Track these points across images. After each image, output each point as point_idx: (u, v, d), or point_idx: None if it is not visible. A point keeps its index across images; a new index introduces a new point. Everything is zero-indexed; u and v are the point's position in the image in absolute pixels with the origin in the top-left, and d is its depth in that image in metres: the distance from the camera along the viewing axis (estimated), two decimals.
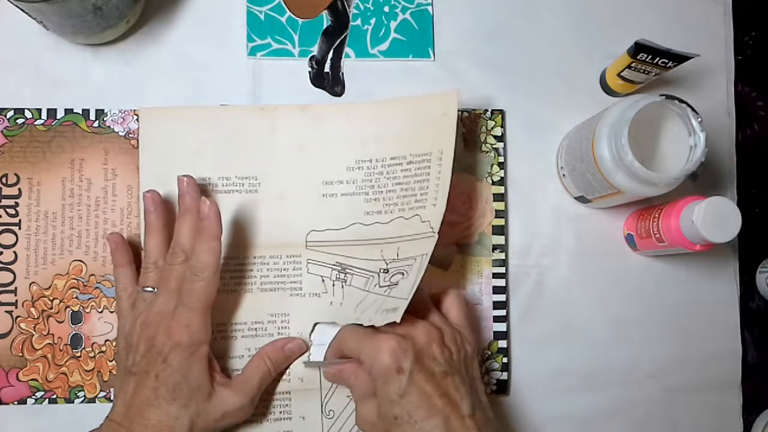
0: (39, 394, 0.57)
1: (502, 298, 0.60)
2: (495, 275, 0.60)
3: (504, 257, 0.60)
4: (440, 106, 0.58)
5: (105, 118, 0.59)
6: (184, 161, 0.58)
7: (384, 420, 0.48)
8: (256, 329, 0.57)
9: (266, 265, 0.58)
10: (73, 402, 0.57)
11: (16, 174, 0.58)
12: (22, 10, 0.53)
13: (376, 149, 0.59)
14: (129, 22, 0.59)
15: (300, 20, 0.62)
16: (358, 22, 0.62)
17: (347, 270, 0.57)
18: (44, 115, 0.59)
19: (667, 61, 0.56)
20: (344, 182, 0.59)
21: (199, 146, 0.59)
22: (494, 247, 0.60)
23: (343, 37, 0.62)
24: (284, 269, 0.58)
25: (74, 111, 0.59)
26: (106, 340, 0.58)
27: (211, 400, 0.51)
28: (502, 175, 0.61)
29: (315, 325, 0.58)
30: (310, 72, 0.61)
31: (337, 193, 0.58)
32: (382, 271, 0.56)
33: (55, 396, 0.57)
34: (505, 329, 0.59)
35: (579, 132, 0.58)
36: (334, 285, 0.58)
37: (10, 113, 0.59)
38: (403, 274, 0.56)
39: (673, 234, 0.53)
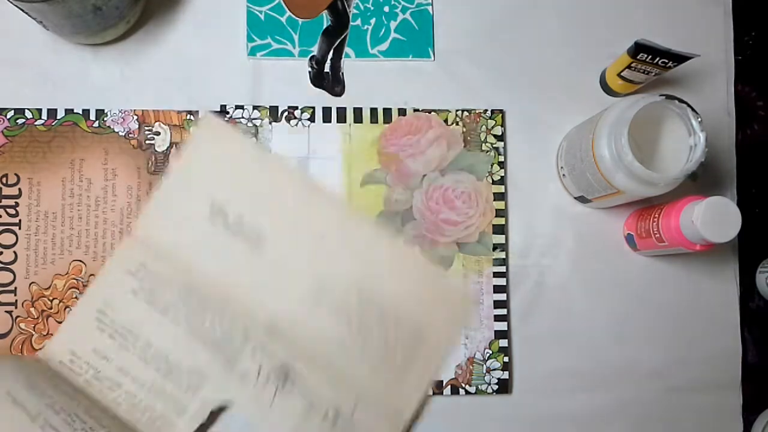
0: None
1: (502, 297, 0.60)
2: (495, 274, 0.60)
3: (504, 256, 0.60)
4: (457, 311, 0.56)
5: (105, 118, 0.59)
6: (213, 183, 0.58)
7: None
8: (170, 371, 0.57)
9: (214, 313, 0.57)
10: None
11: (16, 174, 0.58)
12: (22, 10, 0.53)
13: (382, 286, 0.57)
14: (129, 22, 0.59)
15: (300, 20, 0.62)
16: (358, 22, 0.62)
17: (290, 378, 0.55)
18: (44, 115, 0.59)
19: (667, 61, 0.56)
20: (336, 302, 0.56)
21: (239, 181, 0.58)
22: (494, 247, 0.60)
23: (343, 37, 0.62)
24: (227, 330, 0.55)
25: (74, 111, 0.59)
26: None
27: None
28: (503, 175, 0.61)
29: (222, 408, 0.55)
30: (310, 72, 0.61)
31: (327, 305, 0.55)
32: (331, 413, 0.54)
33: None
34: (505, 328, 0.59)
35: (579, 132, 0.58)
36: (267, 382, 0.55)
37: (11, 113, 0.59)
38: None
39: (673, 234, 0.53)
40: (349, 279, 0.57)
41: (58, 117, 0.59)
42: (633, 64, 0.57)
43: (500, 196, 0.61)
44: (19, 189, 0.58)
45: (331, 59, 0.62)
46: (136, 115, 0.59)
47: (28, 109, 0.59)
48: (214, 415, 0.56)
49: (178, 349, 0.56)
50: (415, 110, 0.61)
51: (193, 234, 0.57)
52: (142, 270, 0.56)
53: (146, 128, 0.60)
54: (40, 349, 0.57)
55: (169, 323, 0.56)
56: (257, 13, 0.61)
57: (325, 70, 0.61)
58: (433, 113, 0.61)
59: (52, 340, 0.56)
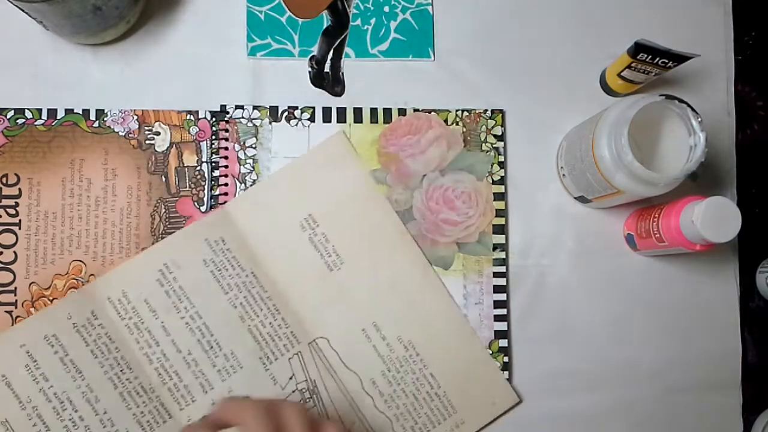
0: None
1: (502, 297, 0.60)
2: (495, 274, 0.60)
3: (504, 256, 0.60)
4: (496, 401, 0.58)
5: (105, 118, 0.59)
6: (318, 196, 0.59)
7: None
8: (210, 347, 0.57)
9: (269, 311, 0.57)
10: None
11: (16, 174, 0.58)
12: (22, 10, 0.53)
13: (432, 349, 0.58)
14: (129, 22, 0.59)
15: (300, 20, 0.62)
16: (358, 22, 0.62)
17: (314, 396, 0.56)
18: (44, 115, 0.59)
19: (667, 61, 0.56)
20: (383, 345, 0.58)
21: (341, 205, 0.59)
22: (494, 247, 0.60)
23: (343, 37, 0.62)
24: (275, 330, 0.57)
25: (74, 111, 0.59)
26: None
27: None
28: (503, 175, 0.61)
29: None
30: (310, 72, 0.61)
31: (375, 342, 0.58)
32: None
33: None
34: (505, 328, 0.59)
35: (579, 132, 0.58)
36: (293, 392, 0.56)
37: (11, 113, 0.59)
38: None
39: (673, 234, 0.53)
40: (403, 330, 0.58)
41: (58, 117, 0.59)
42: (633, 64, 0.57)
43: (500, 196, 0.61)
44: (19, 189, 0.58)
45: (331, 59, 0.62)
46: (136, 115, 0.59)
47: (28, 109, 0.59)
48: None
49: (225, 330, 0.57)
50: (415, 110, 0.61)
51: (279, 231, 0.58)
52: (221, 244, 0.57)
53: (146, 128, 0.60)
54: (91, 276, 0.57)
55: (226, 303, 0.57)
56: (257, 13, 0.61)
57: (325, 70, 0.61)
58: (433, 113, 0.61)
59: (108, 275, 0.56)
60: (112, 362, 0.55)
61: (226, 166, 0.59)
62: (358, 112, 0.61)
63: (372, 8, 0.62)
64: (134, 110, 0.60)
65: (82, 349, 0.55)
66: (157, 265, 0.57)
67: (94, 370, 0.55)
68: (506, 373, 0.59)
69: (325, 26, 0.62)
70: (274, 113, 0.60)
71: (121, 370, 0.55)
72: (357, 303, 0.58)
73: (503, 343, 0.59)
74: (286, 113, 0.61)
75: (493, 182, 0.61)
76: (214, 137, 0.60)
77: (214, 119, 0.60)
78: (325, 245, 0.58)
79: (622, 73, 0.59)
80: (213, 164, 0.60)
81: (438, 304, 0.59)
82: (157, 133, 0.60)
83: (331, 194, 0.59)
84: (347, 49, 0.62)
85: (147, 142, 0.59)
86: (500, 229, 0.60)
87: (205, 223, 0.58)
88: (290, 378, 0.57)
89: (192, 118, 0.60)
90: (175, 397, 0.56)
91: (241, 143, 0.60)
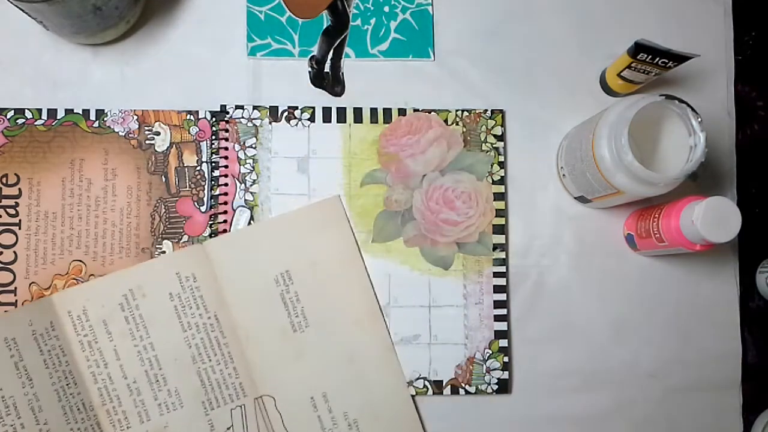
0: None
1: (502, 297, 0.60)
2: (495, 274, 0.60)
3: (504, 256, 0.60)
4: None
5: (105, 118, 0.59)
6: (298, 255, 0.58)
7: None
8: (156, 380, 0.56)
9: (222, 357, 0.57)
10: None
11: (16, 174, 0.58)
12: (22, 10, 0.53)
13: (368, 429, 0.57)
14: (129, 22, 0.59)
15: (300, 20, 0.62)
16: (358, 22, 0.62)
17: None
18: (44, 115, 0.59)
19: (667, 61, 0.56)
20: (329, 417, 0.57)
21: (321, 271, 0.58)
22: (494, 247, 0.60)
23: (343, 37, 0.62)
24: (224, 378, 0.56)
25: (74, 111, 0.59)
26: None
27: None
28: (503, 175, 0.61)
29: None
30: (310, 72, 0.61)
31: (321, 413, 0.57)
32: None
33: None
34: (505, 328, 0.59)
35: (579, 132, 0.58)
36: None
37: (11, 113, 0.59)
38: None
39: (673, 234, 0.53)
40: (351, 407, 0.57)
41: (58, 117, 0.59)
42: (633, 64, 0.57)
43: (500, 196, 0.61)
44: (19, 189, 0.58)
45: (331, 59, 0.62)
46: (136, 115, 0.60)
47: (28, 109, 0.59)
48: None
49: (174, 367, 0.57)
50: (415, 110, 0.61)
51: (252, 280, 0.58)
52: (191, 280, 0.57)
53: (146, 128, 0.60)
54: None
55: (181, 340, 0.57)
56: (257, 13, 0.61)
57: (325, 70, 0.61)
58: (433, 113, 0.61)
59: (73, 289, 0.56)
60: (60, 375, 0.55)
61: (226, 166, 0.60)
62: (358, 112, 0.61)
63: (372, 8, 0.62)
64: (134, 110, 0.60)
65: (36, 356, 0.55)
66: (123, 289, 0.56)
67: (43, 380, 0.55)
68: (506, 372, 0.59)
69: (325, 26, 0.62)
70: (274, 113, 0.60)
71: (67, 384, 0.55)
72: (312, 369, 0.57)
73: (503, 343, 0.59)
74: (286, 113, 0.61)
75: (493, 182, 0.61)
76: (214, 137, 0.60)
77: (214, 119, 0.60)
78: (295, 304, 0.58)
79: (622, 73, 0.59)
80: (213, 164, 0.60)
81: (391, 388, 0.58)
82: (157, 133, 0.60)
83: (314, 256, 0.58)
84: (347, 49, 0.62)
85: (147, 142, 0.59)
86: (500, 229, 0.60)
87: (180, 255, 0.57)
88: (228, 428, 0.56)
89: (192, 118, 0.60)
90: (111, 420, 0.55)
91: (241, 143, 0.60)
